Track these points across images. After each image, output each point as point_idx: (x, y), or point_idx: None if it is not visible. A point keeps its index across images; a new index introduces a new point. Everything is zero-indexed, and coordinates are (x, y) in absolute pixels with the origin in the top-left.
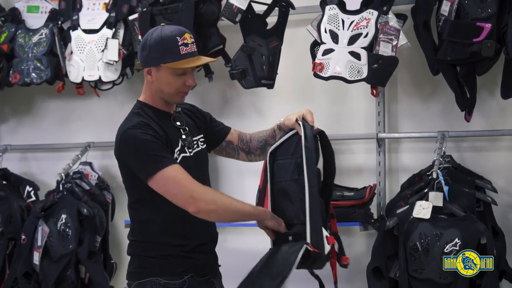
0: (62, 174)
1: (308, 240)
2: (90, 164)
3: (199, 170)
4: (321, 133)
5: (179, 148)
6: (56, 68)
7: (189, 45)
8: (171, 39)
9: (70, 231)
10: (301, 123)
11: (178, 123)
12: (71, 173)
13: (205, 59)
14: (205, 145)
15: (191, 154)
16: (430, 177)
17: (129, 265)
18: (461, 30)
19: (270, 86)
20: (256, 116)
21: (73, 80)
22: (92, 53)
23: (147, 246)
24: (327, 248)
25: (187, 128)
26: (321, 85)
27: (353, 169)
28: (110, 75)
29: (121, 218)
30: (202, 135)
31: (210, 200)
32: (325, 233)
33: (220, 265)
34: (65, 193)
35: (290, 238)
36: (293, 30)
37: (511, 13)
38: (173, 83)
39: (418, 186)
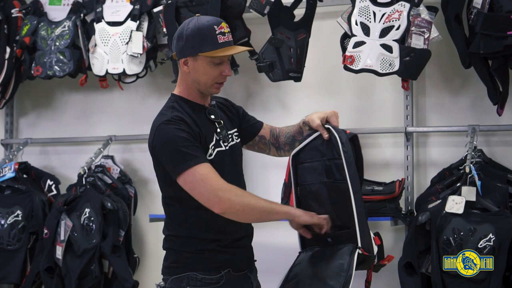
0: (85, 168)
1: (360, 244)
2: (112, 157)
3: (234, 164)
4: (355, 137)
5: (213, 143)
6: (79, 61)
7: (226, 34)
8: (208, 28)
9: (93, 225)
10: (330, 127)
11: (213, 116)
12: (92, 167)
13: (242, 48)
14: (239, 139)
15: (227, 148)
16: (462, 172)
17: (165, 260)
18: (495, 23)
19: (298, 79)
20: (280, 110)
21: (97, 73)
22: (116, 45)
23: (183, 240)
24: (375, 249)
25: (222, 122)
26: (347, 78)
27: (380, 163)
28: (134, 68)
29: (143, 212)
30: (236, 129)
31: (235, 201)
32: (371, 235)
33: (255, 260)
34: (88, 187)
35: (329, 240)
36: (319, 22)
37: None
38: (210, 72)
39: (449, 180)
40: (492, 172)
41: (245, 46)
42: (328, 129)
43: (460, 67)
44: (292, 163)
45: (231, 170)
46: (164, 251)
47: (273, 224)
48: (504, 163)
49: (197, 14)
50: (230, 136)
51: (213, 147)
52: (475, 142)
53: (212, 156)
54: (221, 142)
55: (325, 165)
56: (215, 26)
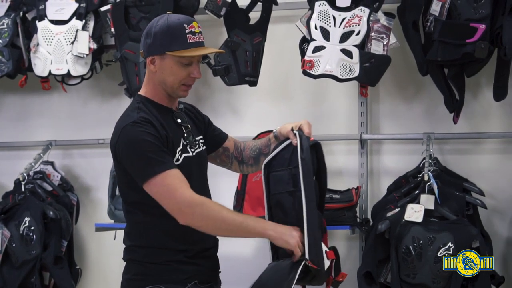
0: (24, 174)
1: (307, 256)
2: (52, 163)
3: (201, 171)
4: (317, 145)
5: (180, 147)
6: (18, 60)
7: (197, 34)
8: (178, 26)
9: (34, 235)
10: (297, 133)
11: (180, 120)
12: (31, 173)
13: (212, 49)
14: (205, 147)
15: (194, 154)
16: (419, 179)
17: (126, 272)
18: (453, 31)
19: (253, 83)
20: (231, 116)
21: (39, 74)
22: (60, 45)
23: (147, 251)
24: (327, 263)
25: (189, 126)
26: (301, 84)
27: (334, 171)
28: (79, 69)
29: (85, 221)
30: (202, 136)
31: (202, 214)
32: (324, 248)
33: (220, 271)
34: (27, 194)
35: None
36: (273, 26)
37: (505, 14)
38: (177, 73)
39: (406, 188)
40: (448, 180)
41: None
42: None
43: (414, 74)
44: (264, 172)
45: (198, 178)
46: (119, 262)
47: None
48: (457, 172)
49: (168, 12)
50: (197, 142)
51: (180, 152)
52: (431, 150)
53: (179, 162)
54: (188, 147)
55: (291, 173)
56: (185, 25)
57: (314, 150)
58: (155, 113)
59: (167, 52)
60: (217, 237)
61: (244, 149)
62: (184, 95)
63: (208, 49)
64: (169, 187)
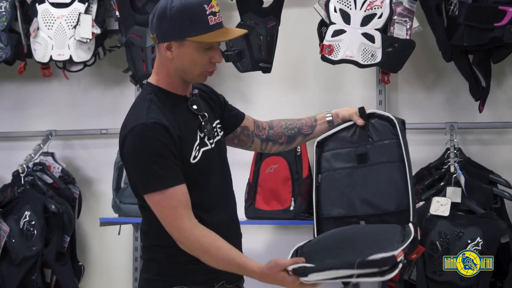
0: (23, 166)
1: (411, 218)
2: (52, 154)
3: (222, 163)
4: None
5: (198, 142)
6: (17, 46)
7: (217, 14)
8: (198, 7)
9: (35, 230)
10: (376, 111)
11: (195, 107)
12: (30, 165)
13: (238, 31)
14: (222, 132)
15: (213, 145)
16: (443, 171)
17: (145, 272)
18: (480, 14)
19: (268, 69)
20: (241, 104)
21: (39, 60)
22: (62, 29)
23: (170, 250)
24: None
25: (206, 114)
26: (314, 71)
27: None
28: (82, 55)
29: (87, 215)
30: (218, 120)
31: (195, 248)
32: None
33: None
34: (27, 187)
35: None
36: (284, 11)
37: None
38: (198, 60)
39: (430, 180)
40: (473, 172)
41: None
42: (371, 114)
43: (434, 61)
44: (316, 151)
45: (219, 170)
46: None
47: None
48: (481, 163)
49: None
50: (215, 130)
51: (197, 148)
52: (455, 140)
53: (198, 159)
54: (206, 139)
55: (356, 152)
56: (205, 5)
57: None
58: (168, 105)
59: (187, 38)
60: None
61: (271, 127)
62: (204, 81)
63: (234, 32)
64: (168, 210)
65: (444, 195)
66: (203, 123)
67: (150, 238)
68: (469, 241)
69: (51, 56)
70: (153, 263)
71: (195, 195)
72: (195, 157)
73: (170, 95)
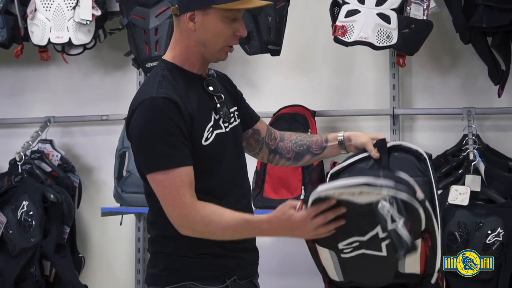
0: (21, 154)
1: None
2: (50, 142)
3: (237, 151)
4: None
5: (211, 123)
6: (13, 29)
7: None
8: None
9: (33, 220)
10: (402, 143)
11: (211, 88)
12: (28, 153)
13: (262, 1)
14: (239, 120)
15: (227, 130)
16: (461, 158)
17: (151, 266)
18: None
19: (277, 52)
20: (247, 89)
21: (36, 43)
22: (60, 10)
23: (178, 242)
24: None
25: (222, 96)
26: (324, 54)
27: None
28: (82, 37)
29: (87, 205)
30: (236, 108)
31: (197, 221)
32: None
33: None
34: (25, 175)
35: None
36: None
37: None
38: (222, 31)
39: (447, 168)
40: (493, 159)
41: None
42: (394, 147)
43: (450, 43)
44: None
45: (233, 158)
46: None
47: None
48: (499, 150)
49: None
50: (232, 115)
51: (211, 129)
52: (473, 126)
53: (210, 141)
54: (220, 122)
55: None
56: None
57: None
58: (182, 83)
59: (213, 6)
60: None
61: (282, 139)
62: (224, 58)
63: (260, 1)
64: (169, 191)
65: (463, 184)
66: (218, 104)
67: (156, 228)
68: (489, 232)
69: (49, 39)
70: (160, 257)
71: (205, 180)
72: (207, 139)
73: (185, 73)
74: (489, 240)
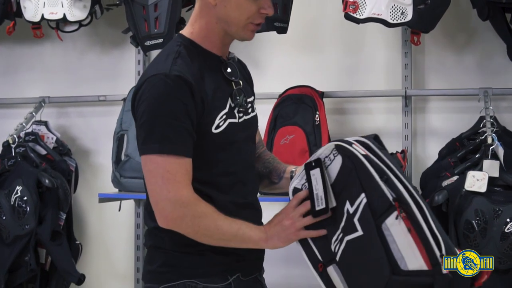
0: (14, 136)
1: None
2: (45, 123)
3: (248, 143)
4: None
5: (226, 111)
6: (5, 4)
7: None
8: None
9: (27, 206)
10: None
11: (230, 70)
12: (21, 135)
13: None
14: (255, 113)
15: (240, 120)
16: (477, 142)
17: (148, 262)
18: None
19: (283, 30)
20: (252, 69)
21: (29, 19)
22: None
23: (177, 237)
24: None
25: (241, 83)
26: (332, 31)
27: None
28: (77, 13)
29: (84, 190)
30: (253, 98)
31: (189, 219)
32: None
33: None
34: (18, 159)
35: None
36: None
37: None
38: (246, 7)
39: (463, 152)
40: (510, 143)
41: None
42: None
43: (465, 20)
44: None
45: (242, 150)
46: (142, 249)
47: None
48: None
49: None
50: (248, 105)
51: (224, 117)
52: (490, 108)
53: (221, 129)
54: (235, 111)
55: None
56: None
57: None
58: (198, 63)
59: None
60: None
61: (259, 155)
62: (250, 37)
63: None
64: (167, 174)
65: (480, 169)
66: (235, 91)
67: (153, 218)
68: (508, 220)
69: (42, 15)
70: (157, 252)
71: (210, 171)
72: (218, 126)
73: (203, 52)
74: (508, 229)
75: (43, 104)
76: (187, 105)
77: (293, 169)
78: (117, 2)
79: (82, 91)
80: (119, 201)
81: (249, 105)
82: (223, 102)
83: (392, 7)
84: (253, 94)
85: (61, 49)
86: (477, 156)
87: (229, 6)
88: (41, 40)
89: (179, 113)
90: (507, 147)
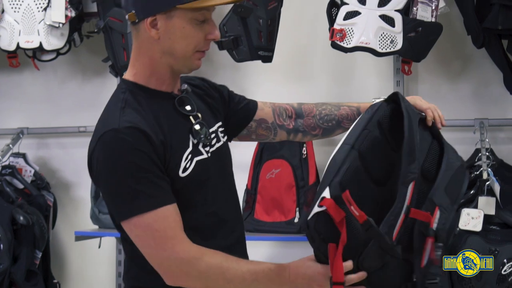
0: None
1: None
2: (23, 155)
3: (222, 175)
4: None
5: (190, 150)
6: None
7: None
8: None
9: (1, 244)
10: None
11: (188, 108)
12: None
13: None
14: (226, 137)
15: (209, 155)
16: (473, 177)
17: None
18: None
19: (268, 59)
20: None
21: (4, 48)
22: (30, 12)
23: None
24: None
25: (199, 115)
26: (322, 59)
27: None
28: (54, 42)
29: (64, 225)
30: (220, 123)
31: (195, 275)
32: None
33: None
34: None
35: None
36: None
37: None
38: (191, 35)
39: None
40: (508, 177)
41: None
42: None
43: (460, 47)
44: None
45: (218, 184)
46: None
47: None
48: None
49: None
50: (213, 135)
51: (189, 157)
52: (486, 140)
53: (189, 171)
54: (200, 146)
55: None
56: None
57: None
58: (149, 106)
59: (177, 6)
60: None
61: (300, 115)
62: (198, 66)
63: None
64: (157, 233)
65: (476, 206)
66: (197, 126)
67: (131, 276)
68: (505, 261)
69: (18, 44)
70: None
71: (188, 218)
72: (185, 169)
73: (151, 93)
74: (505, 271)
75: (21, 136)
76: (148, 153)
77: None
78: (96, 30)
79: (62, 121)
80: (99, 238)
81: (213, 135)
82: (185, 141)
83: (381, 35)
84: (220, 116)
85: (41, 77)
86: (471, 192)
87: (174, 37)
88: (19, 68)
89: (144, 163)
90: (505, 182)
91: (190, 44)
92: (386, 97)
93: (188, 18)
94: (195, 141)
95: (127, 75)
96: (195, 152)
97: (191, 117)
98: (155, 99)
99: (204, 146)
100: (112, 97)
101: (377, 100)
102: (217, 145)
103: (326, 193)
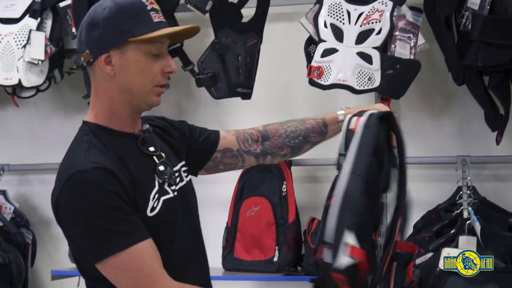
0: None
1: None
2: (4, 192)
3: (188, 212)
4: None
5: (156, 189)
6: None
7: (159, 12)
8: (135, 3)
9: None
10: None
11: (152, 149)
12: None
13: (189, 26)
14: (189, 177)
15: (175, 194)
16: (454, 215)
17: None
18: (498, 28)
19: (247, 96)
20: None
21: None
22: (10, 49)
23: None
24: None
25: (163, 155)
26: (304, 96)
27: None
28: (33, 79)
29: (44, 263)
30: (183, 162)
31: None
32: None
33: None
34: None
35: None
36: (269, 26)
37: None
38: (147, 69)
39: (438, 226)
40: (491, 216)
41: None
42: None
43: (442, 84)
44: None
45: (185, 222)
46: None
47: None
48: (498, 203)
49: None
50: (177, 174)
51: (156, 197)
52: (468, 178)
53: (157, 210)
54: (166, 186)
55: None
56: (144, 0)
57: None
58: (112, 146)
59: (130, 40)
60: None
61: (266, 137)
62: (157, 102)
63: (185, 27)
64: (134, 273)
65: (456, 246)
66: (161, 166)
67: None
68: None
69: None
70: None
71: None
72: (153, 208)
73: (114, 133)
74: None
75: (1, 172)
76: (117, 192)
77: (341, 115)
78: (74, 67)
79: (44, 157)
80: (77, 278)
81: (177, 173)
82: (151, 181)
83: (359, 72)
84: (182, 155)
85: (23, 114)
86: (452, 231)
87: (130, 72)
88: (1, 105)
89: (112, 202)
90: (486, 221)
91: (146, 78)
92: (350, 106)
93: (143, 52)
94: (160, 181)
95: (88, 117)
96: (162, 191)
97: (154, 157)
98: (118, 139)
99: (169, 185)
100: (74, 139)
101: (341, 112)
102: (181, 184)
103: (351, 240)
